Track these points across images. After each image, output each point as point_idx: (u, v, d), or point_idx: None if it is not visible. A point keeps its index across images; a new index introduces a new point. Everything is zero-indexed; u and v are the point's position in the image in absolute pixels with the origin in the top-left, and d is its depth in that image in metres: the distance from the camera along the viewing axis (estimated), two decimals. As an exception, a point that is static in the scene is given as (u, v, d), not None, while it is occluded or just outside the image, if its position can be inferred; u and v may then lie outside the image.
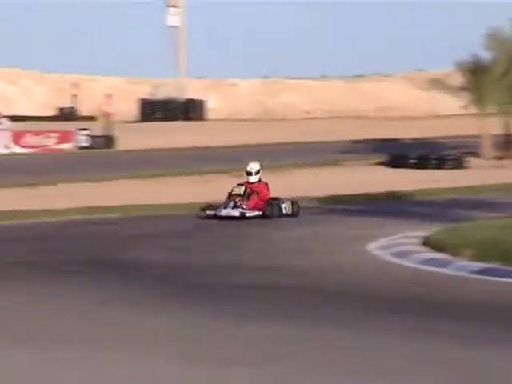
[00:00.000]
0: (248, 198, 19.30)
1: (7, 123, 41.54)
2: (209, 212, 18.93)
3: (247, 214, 18.78)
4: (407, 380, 7.16)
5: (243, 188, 19.57)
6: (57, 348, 8.35)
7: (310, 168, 29.49)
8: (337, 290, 11.45)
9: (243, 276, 12.49)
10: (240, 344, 8.53)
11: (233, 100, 70.11)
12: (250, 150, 35.87)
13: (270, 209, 19.08)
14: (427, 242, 14.20)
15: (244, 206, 19.00)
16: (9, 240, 16.17)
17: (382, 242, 14.86)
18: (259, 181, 20.02)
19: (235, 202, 19.08)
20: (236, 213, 18.91)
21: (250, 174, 20.00)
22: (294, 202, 19.74)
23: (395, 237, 15.20)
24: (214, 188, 24.29)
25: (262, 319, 9.53)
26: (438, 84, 38.20)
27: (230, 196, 19.42)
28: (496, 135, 33.32)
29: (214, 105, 65.05)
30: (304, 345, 8.40)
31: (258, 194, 19.50)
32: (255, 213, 18.85)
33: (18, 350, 8.32)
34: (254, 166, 20.07)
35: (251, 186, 19.71)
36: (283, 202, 19.58)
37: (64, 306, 10.51)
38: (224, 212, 18.89)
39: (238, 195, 19.32)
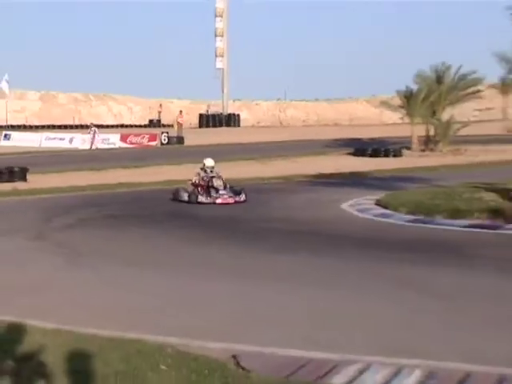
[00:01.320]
0: None
1: (96, 130, 40.94)
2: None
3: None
4: (363, 291, 7.27)
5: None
6: (152, 269, 8.58)
7: (306, 156, 29.45)
8: (323, 232, 11.46)
9: (268, 224, 12.41)
10: (264, 268, 8.73)
11: (257, 114, 70.08)
12: (267, 145, 35.91)
13: None
14: (378, 203, 14.21)
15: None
16: (123, 202, 16.19)
17: (350, 202, 14.79)
18: None
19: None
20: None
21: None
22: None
23: (359, 199, 15.15)
24: (243, 168, 24.32)
25: (276, 252, 9.65)
26: (385, 104, 38.07)
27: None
28: (420, 136, 33.20)
29: (245, 117, 65.13)
30: (300, 267, 8.54)
31: None
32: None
33: (128, 269, 8.55)
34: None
35: None
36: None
37: (158, 243, 10.60)
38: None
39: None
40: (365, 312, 6.26)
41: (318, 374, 4.60)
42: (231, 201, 15.10)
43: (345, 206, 14.42)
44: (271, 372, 4.62)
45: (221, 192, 15.29)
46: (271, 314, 6.29)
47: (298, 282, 7.66)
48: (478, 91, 35.58)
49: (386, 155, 30.35)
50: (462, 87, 34.43)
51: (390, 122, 54.29)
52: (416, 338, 5.46)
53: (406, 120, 34.98)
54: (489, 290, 7.00)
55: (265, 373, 4.60)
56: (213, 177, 15.67)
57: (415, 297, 6.75)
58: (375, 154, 30.53)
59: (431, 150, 32.33)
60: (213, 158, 16.83)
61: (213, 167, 16.02)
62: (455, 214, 11.92)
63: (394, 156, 30.25)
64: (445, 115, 33.60)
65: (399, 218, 12.33)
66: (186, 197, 15.52)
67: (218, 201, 15.12)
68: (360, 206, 14.23)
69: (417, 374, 4.53)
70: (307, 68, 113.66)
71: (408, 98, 34.25)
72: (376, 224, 12.15)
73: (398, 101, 35.67)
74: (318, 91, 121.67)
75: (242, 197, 15.24)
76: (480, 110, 59.64)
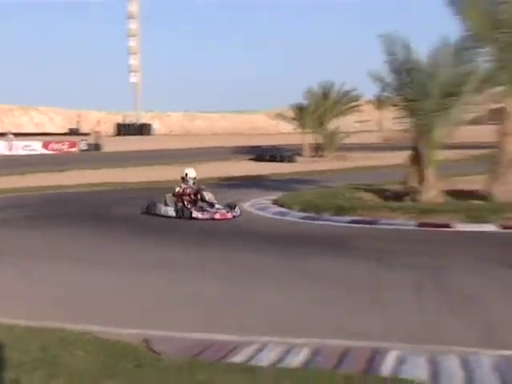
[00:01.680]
0: None
1: (12, 137, 39.36)
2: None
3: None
4: (265, 278, 7.35)
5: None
6: (76, 264, 8.32)
7: (213, 162, 29.46)
8: (229, 229, 11.30)
9: (171, 221, 12.27)
10: (198, 263, 8.66)
11: (168, 124, 69.48)
12: (178, 152, 35.62)
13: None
14: (275, 202, 14.32)
15: None
16: (45, 203, 15.61)
17: (251, 202, 14.81)
18: None
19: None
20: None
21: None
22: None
23: (258, 199, 15.20)
24: (158, 173, 24.06)
25: (202, 248, 9.60)
26: (281, 116, 38.70)
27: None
28: (311, 144, 33.94)
29: (157, 127, 64.49)
30: (216, 263, 8.48)
31: None
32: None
33: (61, 264, 8.24)
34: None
35: None
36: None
37: (83, 241, 10.27)
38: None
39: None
40: (266, 299, 6.32)
41: (221, 354, 4.63)
42: (229, 216, 12.40)
43: (245, 205, 14.40)
44: (179, 354, 4.61)
45: (217, 206, 12.62)
46: (184, 303, 6.25)
47: (204, 273, 7.64)
48: (358, 106, 36.96)
49: (282, 160, 30.86)
50: (345, 102, 35.56)
51: (285, 131, 55.18)
52: (307, 320, 5.58)
53: (299, 130, 35.68)
54: (368, 277, 7.22)
55: (173, 354, 4.58)
56: (200, 189, 13.05)
57: (309, 284, 6.88)
58: (272, 159, 31.01)
59: (320, 156, 33.11)
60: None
61: (195, 178, 13.24)
62: (340, 211, 12.16)
63: (289, 161, 30.79)
64: (331, 126, 34.54)
65: (293, 216, 12.47)
66: (170, 211, 12.85)
67: (217, 216, 12.34)
68: (259, 205, 14.28)
69: (305, 352, 4.63)
70: (213, 82, 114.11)
71: (299, 110, 35.02)
72: (274, 221, 12.20)
73: (291, 113, 36.35)
74: (222, 104, 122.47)
75: (238, 211, 12.67)
76: (360, 122, 61.65)
